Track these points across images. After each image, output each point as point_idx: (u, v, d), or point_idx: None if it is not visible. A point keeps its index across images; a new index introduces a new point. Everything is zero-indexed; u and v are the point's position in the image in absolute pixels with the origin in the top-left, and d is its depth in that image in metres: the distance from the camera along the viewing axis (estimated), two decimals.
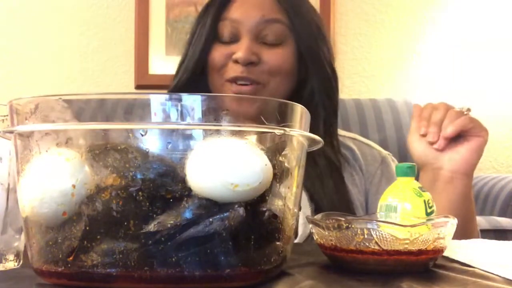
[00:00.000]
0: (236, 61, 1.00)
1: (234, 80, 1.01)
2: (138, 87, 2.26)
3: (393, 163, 1.14)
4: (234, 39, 1.03)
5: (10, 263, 0.56)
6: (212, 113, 0.44)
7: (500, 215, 1.64)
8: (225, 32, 1.03)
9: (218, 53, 1.03)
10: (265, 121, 0.46)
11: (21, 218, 0.57)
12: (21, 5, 2.30)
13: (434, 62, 2.28)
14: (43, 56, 2.29)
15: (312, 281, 0.49)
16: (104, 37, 2.30)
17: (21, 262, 0.57)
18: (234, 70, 1.01)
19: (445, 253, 0.59)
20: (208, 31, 1.04)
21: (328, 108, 1.06)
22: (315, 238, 0.59)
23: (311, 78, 1.05)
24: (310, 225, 0.60)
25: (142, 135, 0.43)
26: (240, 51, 1.00)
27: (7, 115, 0.56)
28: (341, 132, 1.13)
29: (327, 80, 1.06)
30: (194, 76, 1.06)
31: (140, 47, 2.26)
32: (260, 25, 1.02)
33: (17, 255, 0.57)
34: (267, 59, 1.01)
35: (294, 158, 0.50)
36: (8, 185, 0.55)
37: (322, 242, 0.58)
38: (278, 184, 0.48)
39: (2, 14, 2.30)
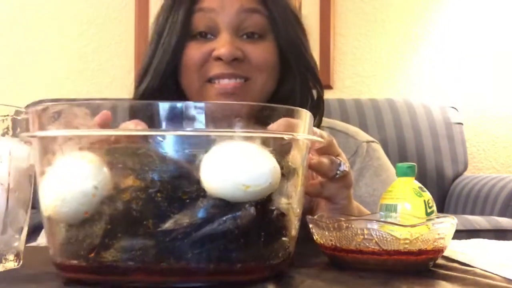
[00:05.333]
0: (218, 59, 0.91)
1: (216, 78, 0.92)
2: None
3: (374, 151, 1.05)
4: (211, 33, 0.93)
5: (10, 263, 0.56)
6: (226, 120, 0.47)
7: (500, 215, 1.64)
8: (201, 26, 0.93)
9: (195, 51, 0.93)
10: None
11: (21, 218, 0.57)
12: (21, 5, 2.30)
13: (434, 62, 2.28)
14: (43, 56, 2.29)
15: (312, 281, 0.49)
16: (104, 37, 2.30)
17: (21, 262, 0.57)
18: (217, 68, 0.91)
19: (445, 253, 0.59)
20: (180, 25, 0.93)
21: (309, 103, 0.99)
22: (315, 238, 0.59)
23: (292, 72, 0.98)
24: (310, 225, 0.60)
25: (161, 141, 0.46)
26: (222, 47, 0.90)
27: (7, 115, 0.56)
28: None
29: (310, 74, 0.99)
30: (165, 78, 0.95)
31: (140, 47, 2.26)
32: (240, 16, 0.92)
33: (17, 255, 0.57)
34: (251, 55, 0.92)
35: (299, 159, 0.52)
36: (8, 185, 0.55)
37: (322, 242, 0.58)
38: (284, 184, 0.50)
39: (2, 14, 2.30)
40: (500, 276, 0.52)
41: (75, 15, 2.30)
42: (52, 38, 2.29)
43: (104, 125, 0.48)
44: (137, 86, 0.98)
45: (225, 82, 0.92)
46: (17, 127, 0.57)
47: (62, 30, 2.30)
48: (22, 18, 2.30)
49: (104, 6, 2.30)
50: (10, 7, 2.30)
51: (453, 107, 2.10)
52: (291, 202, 0.52)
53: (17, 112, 0.57)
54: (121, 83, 2.29)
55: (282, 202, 0.50)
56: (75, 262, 0.47)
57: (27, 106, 0.53)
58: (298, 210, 0.54)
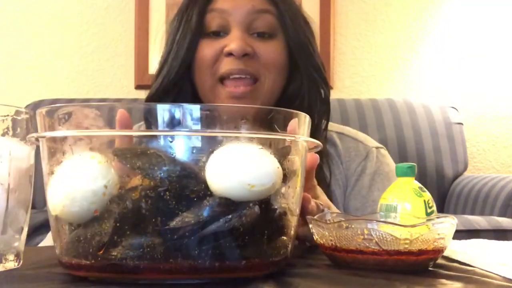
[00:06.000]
0: (229, 54, 0.93)
1: (228, 76, 0.94)
2: (138, 87, 2.26)
3: (383, 157, 1.07)
4: (223, 32, 0.96)
5: (10, 263, 0.56)
6: (233, 121, 0.49)
7: (500, 215, 1.64)
8: (213, 25, 0.96)
9: (208, 48, 0.96)
10: (278, 129, 0.51)
11: (21, 218, 0.57)
12: (21, 5, 2.30)
13: (434, 62, 2.28)
14: (43, 56, 2.29)
15: (312, 281, 0.49)
16: (104, 37, 2.30)
17: (21, 262, 0.57)
18: (228, 64, 0.94)
19: (445, 253, 0.59)
20: (194, 24, 0.96)
21: (318, 103, 1.01)
22: (315, 238, 0.59)
23: (300, 73, 1.00)
24: (310, 225, 0.60)
25: (170, 142, 0.47)
26: (233, 42, 0.93)
27: (7, 115, 0.56)
28: (330, 125, 1.08)
29: (317, 73, 1.01)
30: (179, 76, 0.98)
31: (140, 47, 2.26)
32: (251, 16, 0.96)
33: (17, 255, 0.57)
34: (261, 52, 0.95)
35: (298, 160, 0.54)
36: (8, 185, 0.55)
37: (322, 242, 0.58)
38: (285, 185, 0.52)
39: (2, 14, 2.30)
40: (500, 276, 0.52)
41: (75, 15, 2.30)
42: (52, 38, 2.29)
43: (124, 123, 0.50)
44: (155, 81, 1.00)
45: (235, 78, 0.94)
46: (17, 127, 0.57)
47: (62, 30, 2.30)
48: (22, 18, 2.30)
49: (104, 6, 2.30)
50: (10, 7, 2.30)
51: (453, 107, 2.10)
52: (290, 203, 0.53)
53: (17, 112, 0.57)
54: (121, 83, 2.29)
55: (283, 202, 0.52)
56: (83, 260, 0.48)
57: (27, 106, 0.54)
58: (297, 210, 0.55)
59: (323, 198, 0.77)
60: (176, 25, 1.00)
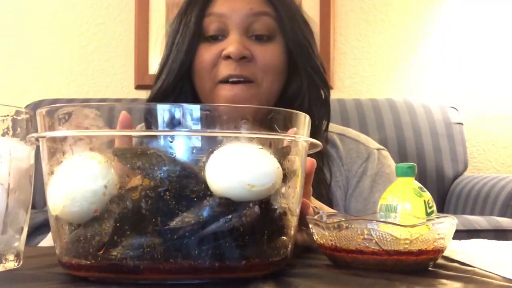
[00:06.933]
0: (227, 57, 0.94)
1: (226, 80, 0.95)
2: (138, 87, 2.26)
3: (385, 159, 1.07)
4: (222, 35, 0.97)
5: (10, 263, 0.56)
6: (233, 121, 0.49)
7: (500, 215, 1.64)
8: (211, 29, 0.97)
9: (206, 52, 0.97)
10: (278, 129, 0.51)
11: (21, 218, 0.57)
12: (21, 5, 2.30)
13: (434, 62, 2.28)
14: (43, 56, 2.29)
15: (312, 281, 0.49)
16: (104, 37, 2.30)
17: (21, 262, 0.57)
18: (226, 68, 0.94)
19: (445, 253, 0.59)
20: (193, 28, 0.97)
21: (318, 104, 1.02)
22: (315, 238, 0.59)
23: (300, 74, 1.00)
24: (310, 225, 0.60)
25: (170, 142, 0.48)
26: (231, 45, 0.93)
27: (7, 115, 0.56)
28: (331, 126, 1.08)
29: (317, 75, 1.01)
30: (179, 79, 0.98)
31: (140, 47, 2.26)
32: (249, 19, 0.96)
33: (17, 255, 0.57)
34: (259, 55, 0.96)
35: (298, 160, 0.54)
36: (8, 185, 0.55)
37: (322, 242, 0.58)
38: (285, 185, 0.52)
39: (2, 14, 2.30)
40: (500, 276, 0.52)
41: (75, 15, 2.30)
42: (52, 38, 2.30)
43: (125, 125, 0.50)
44: (154, 84, 1.01)
45: (234, 81, 0.94)
46: (17, 127, 0.57)
47: (62, 30, 2.30)
48: (22, 18, 2.30)
49: (104, 6, 2.30)
50: (10, 7, 2.30)
51: (453, 107, 2.10)
52: (290, 203, 0.53)
53: (17, 112, 0.57)
54: (121, 83, 2.29)
55: (283, 202, 0.52)
56: (83, 260, 0.48)
57: (27, 106, 0.54)
58: (297, 211, 0.55)
59: (316, 202, 0.78)
60: (175, 28, 1.00)
